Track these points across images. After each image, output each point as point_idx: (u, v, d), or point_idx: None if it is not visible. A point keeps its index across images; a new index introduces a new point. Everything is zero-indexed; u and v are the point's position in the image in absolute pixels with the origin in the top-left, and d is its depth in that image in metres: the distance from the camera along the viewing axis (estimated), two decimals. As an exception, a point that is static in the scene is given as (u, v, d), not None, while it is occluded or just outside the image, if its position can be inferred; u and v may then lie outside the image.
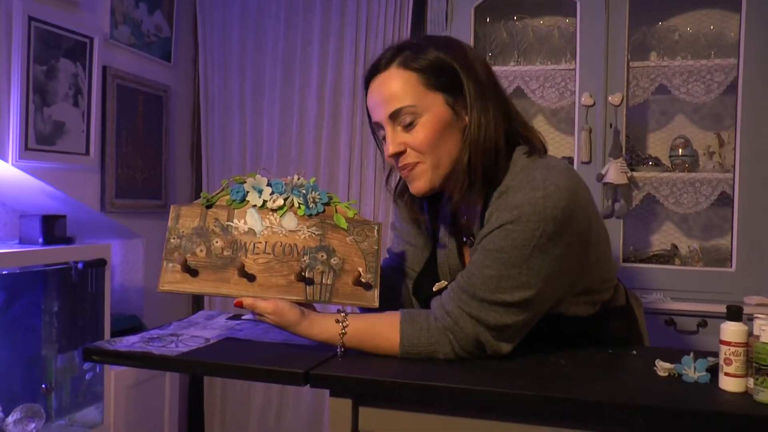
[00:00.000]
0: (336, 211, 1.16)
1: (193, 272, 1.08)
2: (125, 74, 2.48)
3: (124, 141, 2.48)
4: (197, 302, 2.89)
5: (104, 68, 2.36)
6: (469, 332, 1.06)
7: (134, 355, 1.09)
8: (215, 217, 1.13)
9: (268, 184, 1.15)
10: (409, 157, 1.12)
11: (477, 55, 1.17)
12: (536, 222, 1.03)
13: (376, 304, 1.10)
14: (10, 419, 1.89)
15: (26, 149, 1.98)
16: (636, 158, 2.42)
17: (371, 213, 2.76)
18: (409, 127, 1.10)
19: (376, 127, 1.18)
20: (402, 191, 1.27)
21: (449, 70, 1.11)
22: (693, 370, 0.99)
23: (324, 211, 1.16)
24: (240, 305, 1.07)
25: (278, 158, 2.84)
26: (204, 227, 1.12)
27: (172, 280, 1.08)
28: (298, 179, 1.16)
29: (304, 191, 1.15)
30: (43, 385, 2.03)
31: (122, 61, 2.48)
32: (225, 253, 1.10)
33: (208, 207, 1.14)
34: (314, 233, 1.14)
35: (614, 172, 2.23)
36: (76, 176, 2.24)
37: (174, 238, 1.10)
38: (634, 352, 1.19)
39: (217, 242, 1.11)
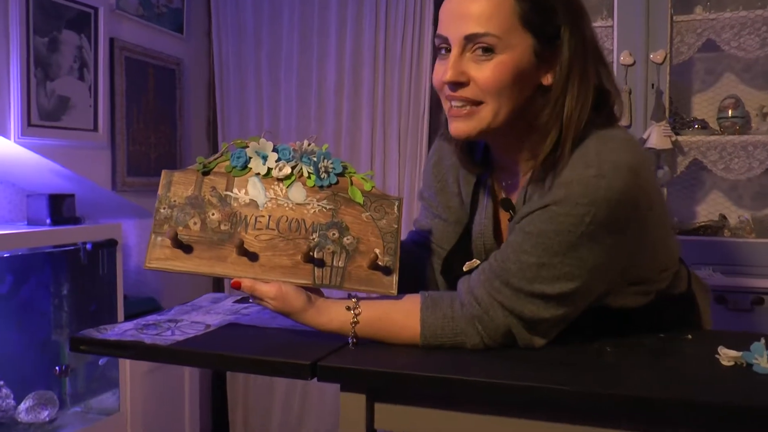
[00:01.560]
0: (351, 183, 1.02)
1: (185, 248, 0.96)
2: (134, 47, 2.37)
3: (135, 116, 2.37)
4: (217, 283, 2.80)
5: (111, 40, 2.25)
6: (500, 323, 0.93)
7: (124, 345, 0.98)
8: (212, 186, 1.00)
9: (274, 150, 1.02)
10: (470, 92, 0.92)
11: (584, 6, 0.97)
12: (586, 205, 0.87)
13: (395, 292, 0.96)
14: (22, 407, 1.82)
15: (29, 125, 1.89)
16: (680, 121, 2.23)
17: (396, 189, 2.63)
18: (481, 58, 0.91)
19: (439, 41, 0.96)
20: None
21: (550, 11, 0.92)
22: (766, 359, 0.84)
23: (337, 182, 1.02)
24: (238, 287, 0.95)
25: (297, 132, 2.72)
26: (199, 197, 0.99)
27: (161, 257, 0.96)
28: (309, 145, 1.02)
29: (314, 159, 1.02)
30: (57, 368, 1.96)
31: (130, 32, 2.37)
32: (222, 227, 0.98)
33: (205, 174, 1.01)
34: (325, 207, 1.00)
35: (657, 136, 2.05)
36: (85, 153, 2.14)
37: (164, 209, 0.98)
38: (689, 336, 1.04)
39: (213, 214, 0.98)
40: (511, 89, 0.92)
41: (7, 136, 1.84)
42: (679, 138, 2.13)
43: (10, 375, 1.83)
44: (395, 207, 1.01)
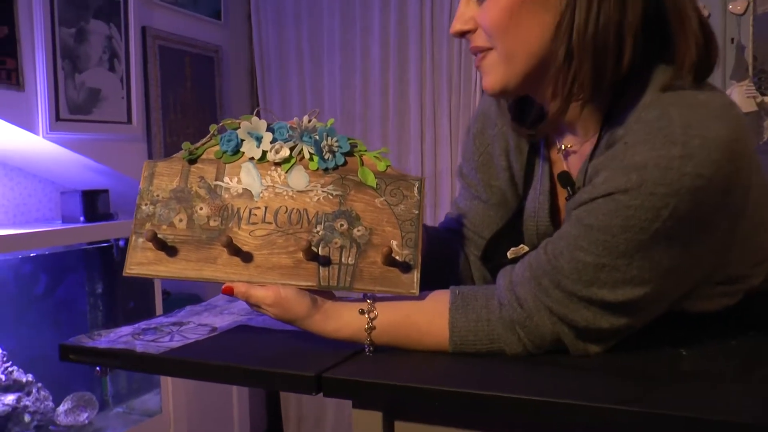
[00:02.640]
0: (361, 164, 0.87)
1: (169, 250, 0.84)
2: (168, 35, 2.29)
3: (172, 107, 2.30)
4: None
5: (143, 29, 2.18)
6: (547, 331, 0.76)
7: (113, 353, 0.88)
8: (200, 176, 0.88)
9: (269, 129, 0.88)
10: (478, 39, 0.80)
11: None
12: (665, 196, 0.67)
13: (416, 291, 0.80)
14: (61, 408, 1.78)
15: (57, 120, 1.83)
16: (766, 79, 1.96)
17: (447, 169, 2.47)
18: None
19: None
20: None
21: None
22: None
23: (345, 163, 0.87)
24: (230, 293, 0.81)
25: (342, 115, 2.59)
26: (185, 189, 0.87)
27: (143, 261, 0.84)
28: (309, 121, 0.88)
29: (317, 137, 0.87)
30: (97, 368, 1.91)
31: (164, 20, 2.29)
32: (211, 223, 0.85)
33: (192, 162, 0.89)
34: (331, 194, 0.86)
35: (738, 97, 1.80)
36: (119, 147, 2.08)
37: (146, 205, 0.86)
38: (789, 335, 0.84)
39: (201, 209, 0.86)
40: (517, 22, 0.75)
41: (35, 131, 1.79)
42: (766, 99, 1.87)
43: (47, 376, 1.79)
44: (415, 189, 0.85)
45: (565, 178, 0.84)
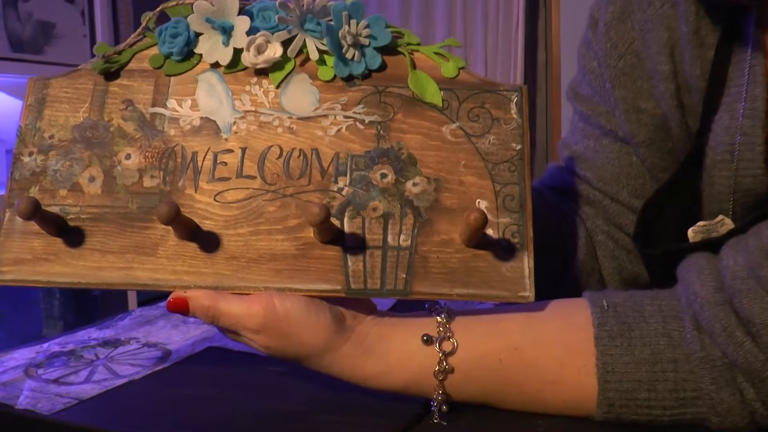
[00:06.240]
0: (413, 67, 0.50)
1: (72, 234, 0.47)
2: (141, -41, 1.90)
3: (148, 48, 1.92)
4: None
5: (109, -50, 1.79)
6: None
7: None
8: (126, 99, 0.50)
9: (244, 13, 0.50)
10: None
11: None
12: None
13: (530, 296, 0.44)
14: None
15: (-5, 59, 1.47)
16: None
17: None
18: None
19: None
20: None
21: None
22: None
23: (384, 67, 0.50)
24: (181, 309, 0.44)
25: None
26: (100, 124, 0.50)
27: (23, 256, 0.47)
28: (316, -1, 0.50)
29: (331, 21, 0.49)
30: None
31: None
32: (147, 181, 0.48)
33: (111, 77, 0.51)
34: (362, 121, 0.48)
35: None
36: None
37: (30, 155, 0.49)
38: None
39: (128, 157, 0.48)
40: None
41: (-37, 72, 1.42)
42: None
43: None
44: (513, 106, 0.48)
45: None
